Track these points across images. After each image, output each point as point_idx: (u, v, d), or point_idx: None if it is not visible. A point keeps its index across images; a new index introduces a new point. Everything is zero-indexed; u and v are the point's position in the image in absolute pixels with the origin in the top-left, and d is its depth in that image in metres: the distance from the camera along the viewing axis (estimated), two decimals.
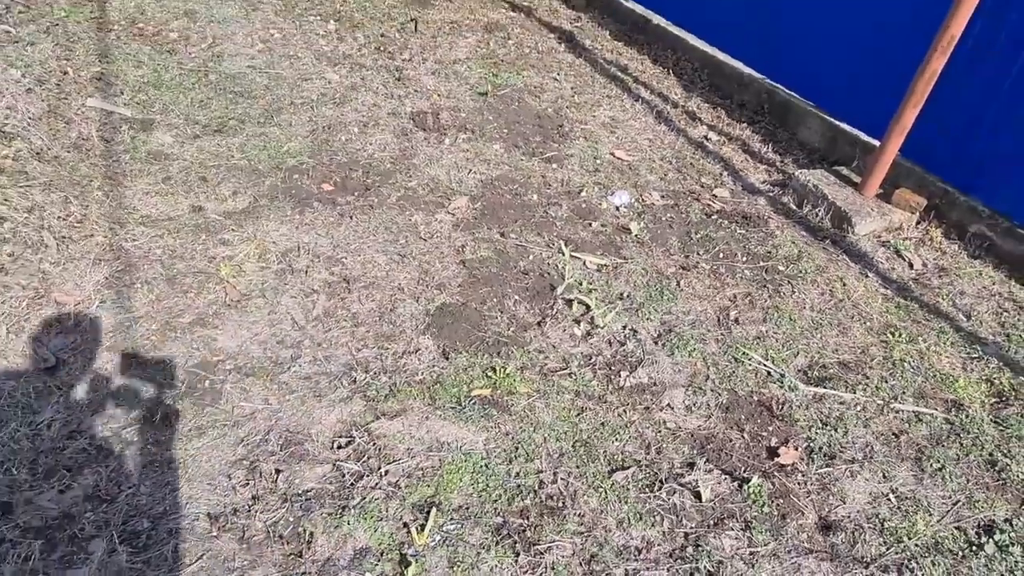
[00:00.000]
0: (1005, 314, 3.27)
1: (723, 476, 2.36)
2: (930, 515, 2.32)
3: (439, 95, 4.52)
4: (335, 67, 4.69)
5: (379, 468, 2.21)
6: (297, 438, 2.28)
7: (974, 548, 2.23)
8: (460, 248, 3.26)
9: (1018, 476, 2.48)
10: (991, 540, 2.25)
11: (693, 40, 5.34)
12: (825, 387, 2.76)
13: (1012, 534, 2.28)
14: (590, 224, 3.54)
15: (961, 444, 2.59)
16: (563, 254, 3.28)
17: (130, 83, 4.10)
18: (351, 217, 3.34)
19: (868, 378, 2.83)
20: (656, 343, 2.87)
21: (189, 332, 2.62)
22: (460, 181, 3.74)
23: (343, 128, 4.04)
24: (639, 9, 5.86)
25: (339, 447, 2.27)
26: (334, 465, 2.21)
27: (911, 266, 3.56)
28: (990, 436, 2.63)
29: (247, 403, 2.38)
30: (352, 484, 2.16)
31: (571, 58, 5.30)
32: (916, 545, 2.21)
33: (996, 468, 2.51)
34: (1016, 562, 2.20)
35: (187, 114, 3.93)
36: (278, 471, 2.17)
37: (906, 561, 2.17)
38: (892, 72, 3.82)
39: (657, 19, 5.66)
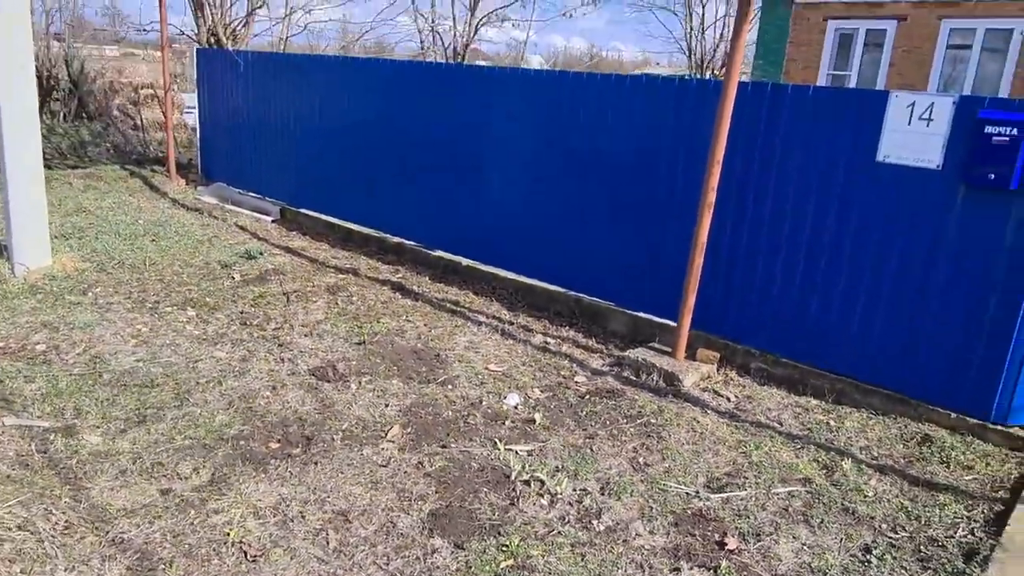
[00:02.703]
0: (800, 416, 4.63)
1: (701, 569, 3.14)
2: (832, 552, 3.30)
3: (323, 351, 5.15)
4: (217, 346, 5.12)
5: None
6: None
7: (865, 563, 3.24)
8: (418, 465, 3.83)
9: (864, 513, 3.61)
10: (872, 555, 3.29)
11: (503, 273, 6.68)
12: (725, 492, 3.74)
13: (881, 548, 3.34)
14: (503, 423, 4.34)
15: (823, 504, 3.69)
16: (499, 449, 4.01)
17: (30, 397, 4.17)
18: (315, 464, 3.77)
19: (747, 478, 3.88)
20: (603, 494, 3.67)
21: None
22: (383, 415, 4.35)
23: (257, 395, 4.47)
24: (447, 256, 7.15)
25: None
26: None
27: (728, 400, 4.85)
28: (835, 494, 3.78)
29: None
30: None
31: (410, 302, 6.29)
32: (834, 571, 3.16)
33: (849, 512, 3.63)
34: (894, 562, 3.24)
35: (103, 413, 4.10)
36: None
37: None
38: (667, 276, 5.38)
39: (466, 261, 6.98)
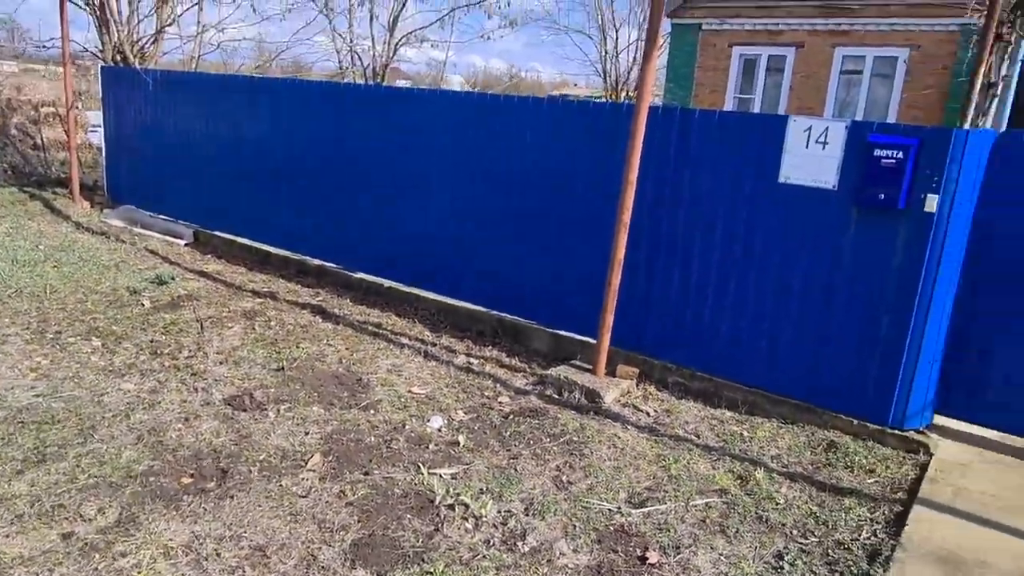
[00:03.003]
0: (716, 427, 4.79)
1: None
2: (748, 561, 3.42)
3: (240, 379, 5.00)
4: (124, 377, 4.90)
5: None
6: None
7: (778, 570, 3.37)
8: (340, 493, 3.76)
9: (777, 521, 3.76)
10: (784, 561, 3.42)
11: (425, 293, 6.66)
12: (647, 507, 3.83)
13: (793, 554, 3.48)
14: (427, 447, 4.31)
15: (738, 514, 3.82)
16: (423, 473, 3.98)
17: None
18: (231, 497, 3.64)
19: (667, 492, 3.98)
20: (527, 514, 3.69)
21: None
22: (303, 443, 4.25)
23: (168, 427, 4.29)
24: (368, 277, 7.08)
25: None
26: None
27: (648, 415, 4.97)
28: (749, 502, 3.92)
29: None
30: None
31: (331, 326, 6.18)
32: None
33: (763, 520, 3.77)
34: (805, 567, 3.38)
35: None
36: None
37: None
38: (586, 293, 5.49)
39: (389, 283, 6.92)
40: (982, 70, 5.38)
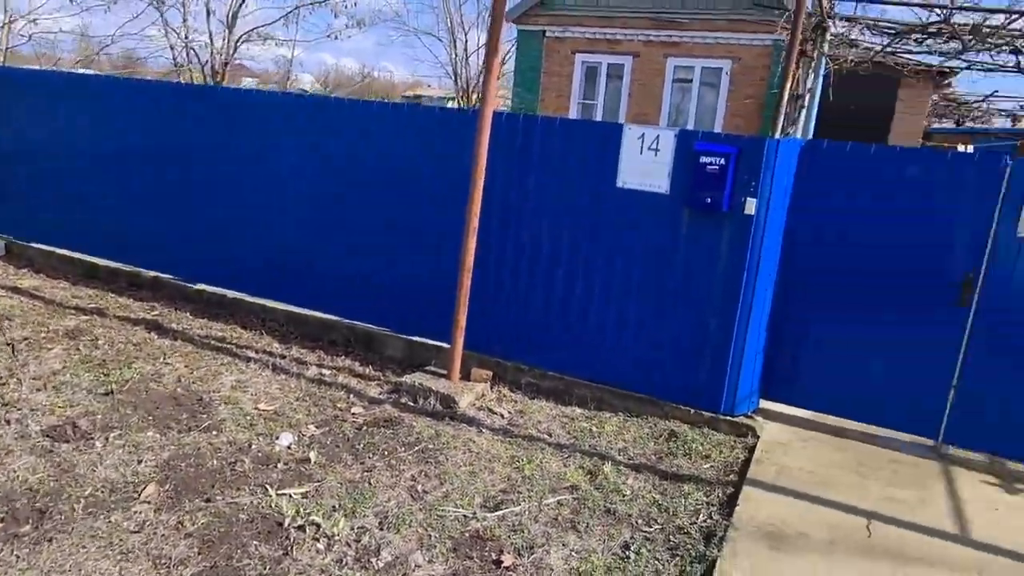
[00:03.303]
0: (567, 425, 4.96)
1: None
2: (597, 554, 3.57)
3: (61, 406, 4.56)
4: None
5: None
6: None
7: (624, 559, 3.54)
8: (177, 525, 3.52)
9: (623, 512, 3.95)
10: (631, 551, 3.60)
11: (272, 304, 6.39)
12: (501, 509, 3.89)
13: (638, 543, 3.67)
14: (275, 466, 4.14)
15: (588, 509, 3.97)
16: (271, 495, 3.81)
17: None
18: (49, 541, 3.31)
19: (521, 493, 4.06)
20: (381, 528, 3.63)
21: None
22: (136, 472, 3.94)
23: None
24: (211, 288, 6.69)
25: None
26: None
27: (502, 417, 5.06)
28: (598, 497, 4.09)
29: None
30: None
31: (168, 342, 5.79)
32: (599, 572, 3.42)
33: (611, 513, 3.95)
34: (649, 554, 3.57)
35: None
36: None
37: None
38: (438, 298, 5.49)
39: (233, 294, 6.58)
40: (789, 83, 5.94)
